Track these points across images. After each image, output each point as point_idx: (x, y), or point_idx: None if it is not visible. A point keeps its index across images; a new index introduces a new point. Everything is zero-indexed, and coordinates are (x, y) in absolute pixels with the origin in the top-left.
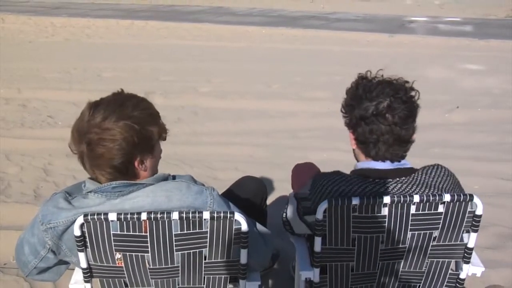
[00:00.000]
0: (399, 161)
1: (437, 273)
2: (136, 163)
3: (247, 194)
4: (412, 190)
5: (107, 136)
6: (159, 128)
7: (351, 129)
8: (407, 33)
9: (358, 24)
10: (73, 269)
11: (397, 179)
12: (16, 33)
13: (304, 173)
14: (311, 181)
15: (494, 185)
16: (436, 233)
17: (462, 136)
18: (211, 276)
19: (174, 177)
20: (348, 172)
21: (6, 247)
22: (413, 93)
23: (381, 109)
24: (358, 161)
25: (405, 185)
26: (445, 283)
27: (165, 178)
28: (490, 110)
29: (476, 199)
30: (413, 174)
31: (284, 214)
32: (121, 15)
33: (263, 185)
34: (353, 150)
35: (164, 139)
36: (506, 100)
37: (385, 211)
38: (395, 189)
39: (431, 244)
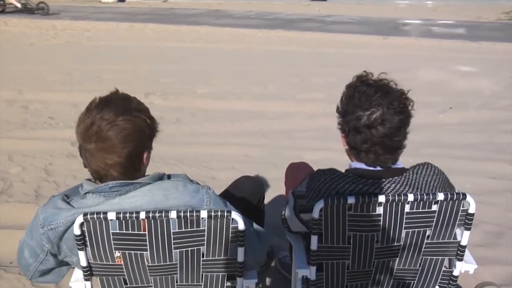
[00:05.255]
0: (391, 166)
1: (431, 270)
2: (144, 155)
3: (245, 194)
4: (406, 190)
5: (121, 128)
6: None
7: (343, 133)
8: (401, 35)
9: (353, 27)
10: (74, 268)
11: (390, 179)
12: (18, 36)
13: (298, 172)
14: (308, 179)
15: (485, 184)
16: (429, 231)
17: (455, 136)
18: (209, 273)
19: (169, 176)
20: (343, 171)
21: (9, 245)
22: (407, 102)
23: (373, 120)
24: (351, 160)
25: (398, 185)
26: (438, 280)
27: (161, 177)
28: (482, 111)
29: (469, 198)
30: (405, 174)
31: (283, 211)
32: (121, 18)
33: (261, 185)
34: (346, 149)
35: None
36: (496, 101)
37: (380, 210)
38: (389, 190)
39: (425, 242)
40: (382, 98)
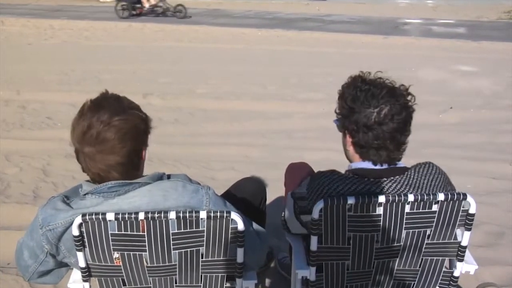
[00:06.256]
0: (395, 164)
1: (431, 271)
2: (143, 152)
3: (246, 196)
4: (407, 190)
5: (118, 128)
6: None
7: (348, 133)
8: (401, 34)
9: (353, 26)
10: (72, 269)
11: (391, 178)
12: (15, 36)
13: (298, 172)
14: (308, 180)
15: (486, 184)
16: (430, 232)
17: (455, 136)
18: (208, 274)
19: (169, 176)
20: (343, 171)
21: (6, 247)
22: (409, 98)
23: (383, 117)
24: (351, 161)
25: (399, 185)
26: (439, 281)
27: (160, 177)
28: (482, 110)
29: (469, 198)
30: (406, 172)
31: (283, 213)
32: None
33: (263, 187)
34: (346, 151)
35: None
36: (497, 101)
37: (380, 210)
38: (390, 189)
39: (425, 242)
40: (388, 95)
